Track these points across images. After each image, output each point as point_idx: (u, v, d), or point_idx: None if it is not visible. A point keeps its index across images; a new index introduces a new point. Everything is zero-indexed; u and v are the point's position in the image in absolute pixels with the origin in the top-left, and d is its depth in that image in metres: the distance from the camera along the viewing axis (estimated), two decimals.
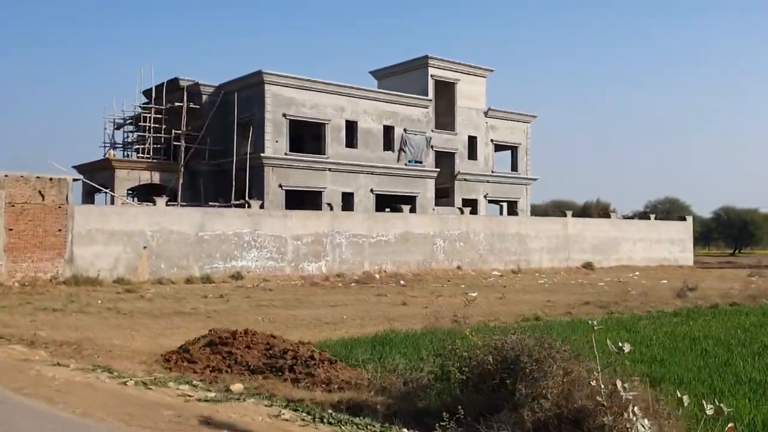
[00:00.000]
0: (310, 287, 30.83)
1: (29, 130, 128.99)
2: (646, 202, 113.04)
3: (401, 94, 41.37)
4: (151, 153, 38.28)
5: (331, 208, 35.83)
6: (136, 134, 39.77)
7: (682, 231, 56.45)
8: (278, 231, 33.56)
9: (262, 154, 35.69)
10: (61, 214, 27.79)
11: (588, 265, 46.88)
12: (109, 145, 43.75)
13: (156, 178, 38.24)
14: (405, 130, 41.66)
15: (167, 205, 30.81)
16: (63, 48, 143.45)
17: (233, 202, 34.61)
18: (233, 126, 37.89)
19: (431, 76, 43.53)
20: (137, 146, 38.39)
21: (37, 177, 27.40)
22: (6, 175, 26.70)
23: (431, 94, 43.13)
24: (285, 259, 33.76)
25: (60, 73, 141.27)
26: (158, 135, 38.22)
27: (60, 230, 27.74)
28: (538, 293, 29.31)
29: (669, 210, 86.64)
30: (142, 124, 38.10)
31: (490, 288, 31.68)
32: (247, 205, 33.52)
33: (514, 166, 48.90)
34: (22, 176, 27.07)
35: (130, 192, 37.79)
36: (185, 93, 37.78)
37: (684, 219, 57.37)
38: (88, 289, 26.68)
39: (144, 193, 37.80)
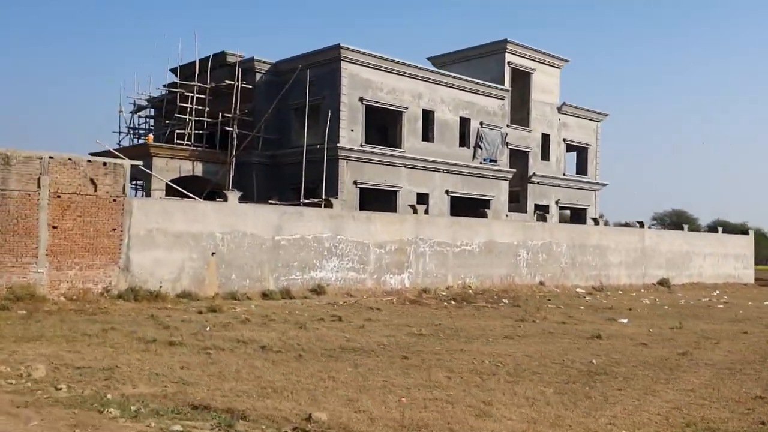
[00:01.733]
0: (411, 306, 25.16)
1: (21, 113, 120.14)
2: (653, 214, 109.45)
3: (480, 81, 35.97)
4: (193, 140, 32.17)
5: (415, 211, 30.21)
6: (168, 120, 33.53)
7: (746, 246, 52.20)
8: (361, 237, 27.87)
9: (338, 145, 29.88)
10: (117, 209, 21.70)
11: (664, 282, 42.11)
12: (127, 130, 37.54)
13: (198, 169, 32.15)
14: (481, 123, 36.28)
15: (240, 201, 24.85)
16: (63, 23, 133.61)
17: (303, 200, 28.73)
18: (291, 111, 32.06)
19: (508, 63, 38.24)
20: (178, 131, 32.15)
21: (89, 161, 21.29)
22: (51, 157, 20.55)
23: (507, 85, 37.83)
24: (367, 270, 28.07)
25: (58, 51, 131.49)
26: (200, 119, 32.15)
27: (114, 229, 21.65)
28: (699, 319, 24.14)
29: (677, 222, 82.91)
30: (181, 104, 31.94)
31: (615, 311, 26.43)
32: (324, 205, 27.73)
33: (583, 170, 43.89)
34: (70, 159, 20.94)
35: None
36: (237, 69, 31.78)
37: (747, 233, 53.11)
38: (154, 306, 20.66)
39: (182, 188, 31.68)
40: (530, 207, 39.18)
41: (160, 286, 22.23)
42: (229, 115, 31.42)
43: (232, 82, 31.69)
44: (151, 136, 30.50)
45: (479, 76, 37.44)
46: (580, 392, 10.30)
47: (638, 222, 42.54)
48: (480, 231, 32.54)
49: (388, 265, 28.82)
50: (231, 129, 31.23)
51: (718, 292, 41.90)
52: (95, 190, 21.30)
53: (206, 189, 30.93)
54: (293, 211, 26.26)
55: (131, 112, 39.39)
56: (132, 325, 16.33)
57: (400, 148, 32.16)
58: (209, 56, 32.67)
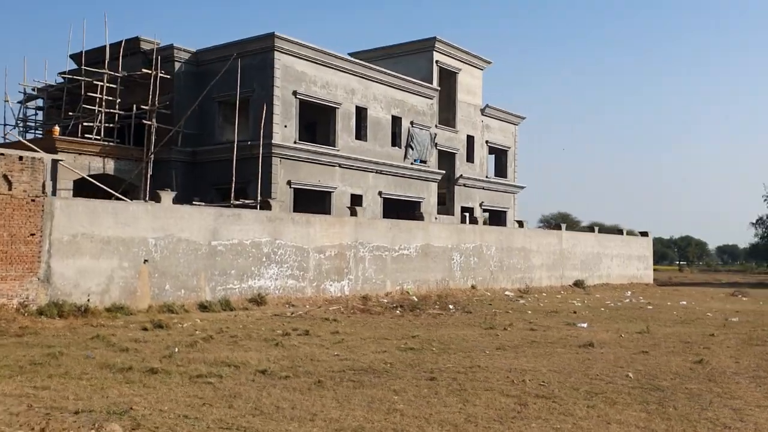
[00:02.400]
0: (363, 315, 23.32)
1: None
2: (540, 216, 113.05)
3: (411, 80, 34.67)
4: (102, 134, 28.76)
5: (354, 213, 28.42)
6: (72, 112, 29.89)
7: (647, 247, 54.03)
8: (300, 241, 25.78)
9: (272, 141, 27.51)
10: (36, 211, 18.57)
11: (579, 283, 42.54)
12: (16, 122, 33.46)
13: (110, 167, 28.81)
14: (412, 123, 34.98)
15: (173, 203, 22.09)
16: None
17: (233, 202, 26.21)
18: (215, 105, 29.43)
19: (436, 62, 37.20)
20: (85, 124, 28.60)
21: (2, 154, 18.05)
22: None
23: (435, 84, 36.76)
24: (306, 277, 26.01)
25: None
26: (111, 111, 28.81)
27: (33, 235, 18.50)
28: (647, 322, 23.80)
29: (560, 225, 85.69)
30: (90, 94, 28.47)
31: (563, 315, 25.79)
32: (261, 207, 25.38)
33: (502, 172, 43.61)
34: None
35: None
36: (155, 57, 28.69)
37: (646, 234, 54.96)
38: (85, 323, 17.75)
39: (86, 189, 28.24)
40: (457, 209, 38.31)
41: (88, 300, 19.24)
42: (146, 107, 28.31)
43: (148, 71, 28.60)
44: (57, 128, 26.88)
45: (406, 74, 36.15)
46: (684, 415, 9.03)
47: (555, 224, 42.75)
48: (418, 235, 31.22)
49: (328, 272, 26.88)
50: (149, 122, 28.14)
51: (629, 292, 42.71)
52: (9, 189, 18.09)
53: (119, 189, 27.74)
54: (230, 213, 23.78)
55: (19, 102, 35.20)
56: (79, 348, 13.62)
57: (334, 146, 30.25)
58: (120, 42, 29.39)
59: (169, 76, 29.02)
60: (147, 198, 27.08)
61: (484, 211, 41.78)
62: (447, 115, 38.39)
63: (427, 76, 36.40)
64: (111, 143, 28.74)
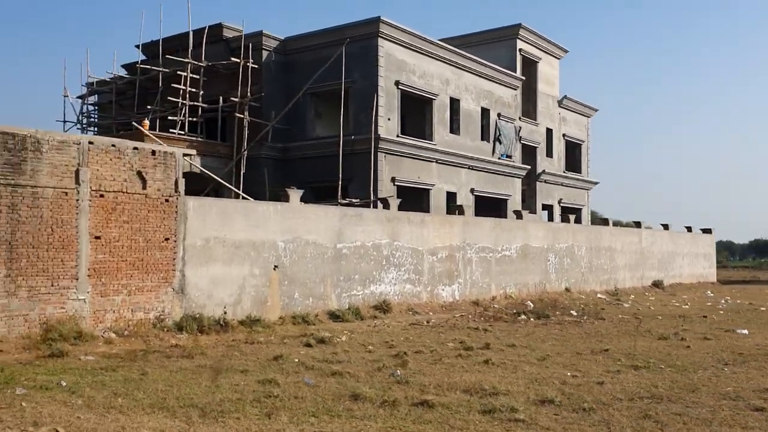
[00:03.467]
0: (499, 323, 21.20)
1: None
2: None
3: (500, 69, 32.56)
4: (187, 129, 26.62)
5: (461, 212, 26.34)
6: (149, 105, 27.72)
7: (710, 245, 52.02)
8: (416, 243, 23.72)
9: (380, 135, 25.38)
10: (170, 213, 16.46)
11: (658, 284, 40.48)
12: (79, 118, 31.33)
13: (196, 163, 26.64)
14: (498, 115, 32.89)
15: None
16: None
17: (340, 201, 24.09)
18: (307, 97, 27.29)
19: (519, 50, 35.12)
20: (160, 117, 26.42)
21: (135, 148, 15.93)
22: (91, 143, 15.09)
23: (519, 74, 34.67)
24: (421, 281, 23.96)
25: None
26: (195, 104, 26.65)
27: (167, 239, 16.40)
28: None
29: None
30: (174, 85, 26.27)
31: (695, 321, 23.70)
32: (380, 206, 23.27)
33: (575, 167, 41.53)
34: (113, 145, 15.53)
35: None
36: (243, 45, 26.50)
37: (709, 232, 52.89)
38: (231, 338, 15.65)
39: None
40: (538, 207, 36.23)
41: (225, 312, 17.14)
42: (235, 99, 26.16)
43: (235, 60, 26.44)
44: (146, 122, 24.72)
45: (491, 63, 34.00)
46: None
47: (635, 222, 40.68)
48: (518, 234, 29.17)
49: (440, 275, 24.82)
50: (241, 116, 25.99)
51: (709, 292, 40.81)
52: (144, 187, 15.98)
53: (207, 187, 25.61)
54: (353, 213, 21.67)
55: (80, 97, 33.06)
56: (274, 371, 11.60)
57: (431, 140, 28.15)
58: (200, 29, 27.21)
59: (256, 66, 26.85)
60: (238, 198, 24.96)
61: (563, 209, 39.69)
62: (527, 107, 36.34)
63: (509, 66, 34.33)
64: (198, 139, 26.59)
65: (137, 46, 31.14)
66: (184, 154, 17.01)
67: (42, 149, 14.16)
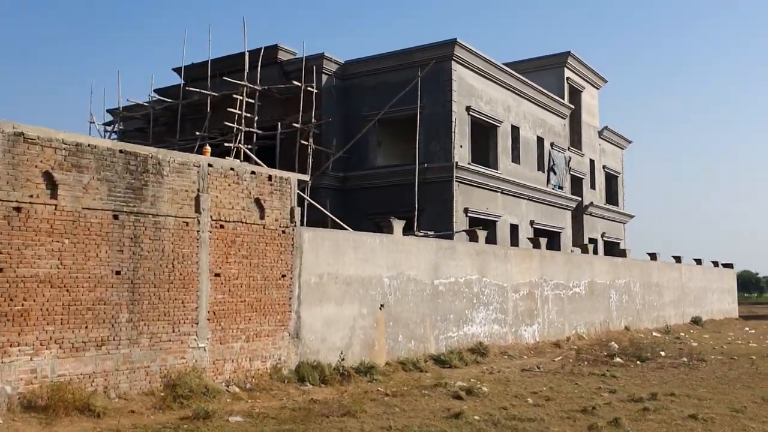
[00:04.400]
0: (602, 366, 19.41)
1: None
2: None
3: (554, 96, 31.30)
4: (242, 157, 24.66)
5: (537, 245, 24.72)
6: (198, 131, 25.75)
7: (732, 279, 51.11)
8: (500, 279, 22.00)
9: (458, 163, 23.69)
10: (286, 246, 14.53)
11: (697, 320, 39.11)
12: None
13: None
14: (551, 144, 31.55)
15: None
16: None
17: (417, 233, 22.24)
18: (366, 124, 25.61)
19: (567, 79, 34.00)
20: (226, 144, 24.45)
21: (252, 172, 14.03)
22: (210, 165, 13.17)
23: (567, 102, 33.47)
24: (506, 321, 22.17)
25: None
26: (250, 129, 24.76)
27: (284, 276, 14.43)
28: None
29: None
30: (230, 110, 24.35)
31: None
32: (466, 238, 21.52)
33: (614, 200, 40.32)
34: (232, 169, 13.63)
35: None
36: (304, 68, 24.76)
37: (731, 267, 51.98)
38: (360, 390, 13.66)
39: None
40: (586, 241, 34.77)
41: (342, 359, 15.14)
42: (297, 126, 24.33)
43: (293, 84, 24.67)
44: (207, 148, 22.68)
45: None
46: None
47: (674, 257, 39.43)
48: (586, 270, 27.61)
49: (522, 314, 23.06)
50: (306, 143, 24.12)
51: (748, 328, 39.64)
52: (262, 217, 14.06)
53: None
54: (447, 246, 19.88)
55: (105, 124, 31.03)
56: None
57: (496, 169, 26.59)
58: (258, 50, 25.40)
59: (316, 90, 25.13)
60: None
61: (605, 243, 38.30)
62: (573, 137, 35.12)
63: (557, 94, 33.09)
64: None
65: (176, 70, 29.30)
66: (300, 180, 15.12)
67: (163, 172, 12.21)
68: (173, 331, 12.12)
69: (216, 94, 25.79)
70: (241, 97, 24.76)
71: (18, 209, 10.15)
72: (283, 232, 14.39)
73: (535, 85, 29.52)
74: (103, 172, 11.26)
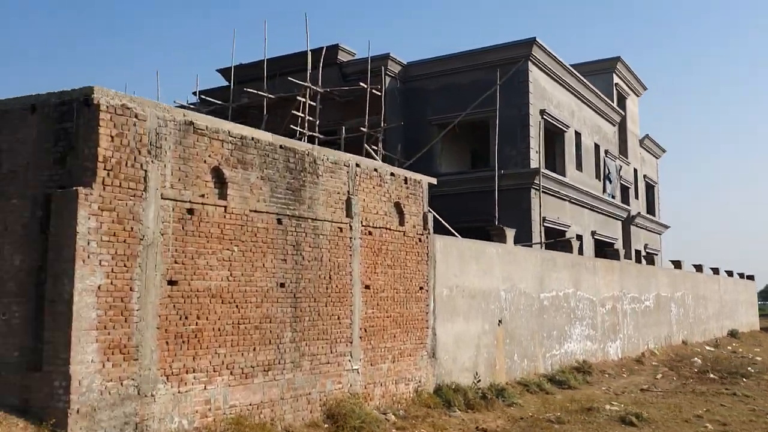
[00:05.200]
0: (711, 384, 18.20)
1: None
2: None
3: (609, 102, 30.25)
4: None
5: (617, 257, 23.57)
6: None
7: (754, 292, 50.54)
8: (590, 292, 20.79)
9: (539, 169, 22.44)
10: (422, 254, 13.13)
11: (734, 333, 38.27)
12: None
13: None
14: (606, 152, 30.48)
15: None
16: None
17: (517, 244, 20.83)
18: (434, 128, 24.34)
19: (615, 85, 33.00)
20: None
21: (392, 174, 12.63)
22: (358, 165, 11.75)
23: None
24: (595, 336, 20.91)
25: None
26: (313, 134, 23.33)
27: (421, 288, 13.03)
28: None
29: None
30: (294, 112, 22.88)
31: None
32: (542, 246, 20.25)
33: (651, 210, 39.37)
34: (375, 170, 12.24)
35: None
36: (369, 69, 23.42)
37: (752, 278, 51.33)
38: (514, 418, 12.26)
39: None
40: (633, 253, 33.71)
41: (477, 381, 13.76)
42: (365, 130, 22.94)
43: (360, 86, 23.30)
44: None
45: None
46: None
47: (712, 269, 38.52)
48: (652, 283, 26.51)
49: (608, 329, 21.85)
50: (374, 148, 22.71)
51: None
52: (401, 223, 12.66)
53: None
54: (549, 257, 18.61)
55: None
56: None
57: (564, 176, 25.40)
58: (318, 50, 24.00)
59: (378, 93, 23.76)
60: None
61: (647, 254, 37.28)
62: (620, 145, 34.07)
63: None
64: None
65: (221, 71, 27.80)
66: (430, 184, 13.73)
67: (318, 171, 10.77)
68: (331, 352, 10.65)
69: (273, 96, 24.32)
70: (304, 99, 23.32)
71: (191, 211, 8.66)
72: (420, 240, 13.00)
73: (596, 90, 28.44)
74: (265, 169, 9.80)
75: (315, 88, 23.62)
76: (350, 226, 11.23)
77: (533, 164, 22.82)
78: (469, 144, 26.72)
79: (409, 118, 24.80)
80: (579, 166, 27.40)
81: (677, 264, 31.27)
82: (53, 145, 7.84)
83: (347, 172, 11.36)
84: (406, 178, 12.95)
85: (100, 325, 7.45)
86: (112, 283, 7.60)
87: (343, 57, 25.31)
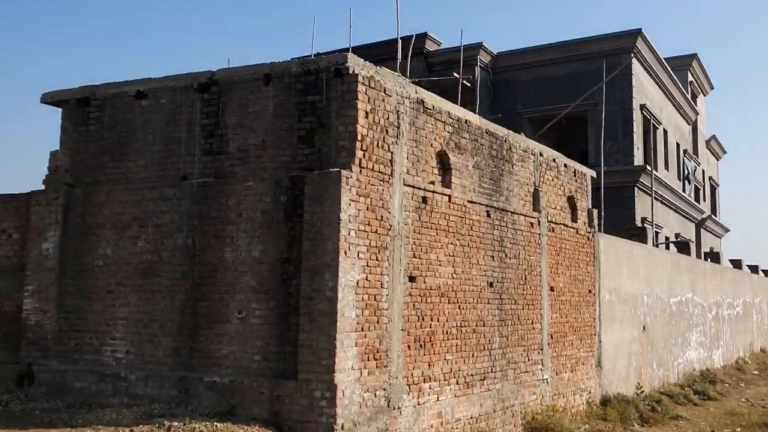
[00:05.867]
0: None
1: None
2: None
3: (689, 100, 29.19)
4: None
5: (714, 258, 22.56)
6: None
7: None
8: (702, 297, 19.75)
9: (645, 166, 21.42)
10: (590, 254, 12.12)
11: None
12: None
13: None
14: (684, 152, 29.41)
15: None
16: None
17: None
18: (525, 122, 23.31)
19: (690, 83, 31.90)
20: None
21: (565, 165, 11.62)
22: (542, 154, 10.76)
23: None
24: (705, 344, 19.87)
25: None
26: None
27: (590, 291, 12.02)
28: None
29: None
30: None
31: None
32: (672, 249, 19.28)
33: (714, 212, 38.20)
34: (554, 160, 11.23)
35: None
36: (462, 60, 22.44)
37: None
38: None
39: None
40: (702, 255, 32.56)
41: (641, 391, 12.76)
42: None
43: (454, 77, 22.31)
44: None
45: None
46: None
47: (763, 270, 37.19)
48: (740, 287, 25.46)
49: (713, 336, 20.81)
50: None
51: None
52: (574, 219, 11.65)
53: None
54: (675, 260, 17.60)
55: None
56: None
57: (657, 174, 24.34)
58: (407, 38, 23.03)
59: (469, 85, 22.77)
60: None
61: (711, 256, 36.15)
62: (693, 145, 32.99)
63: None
64: None
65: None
66: (592, 177, 12.73)
67: (513, 159, 9.79)
68: (528, 359, 9.67)
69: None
70: None
71: (424, 200, 7.69)
72: (588, 238, 12.00)
73: (681, 87, 27.39)
74: (475, 156, 8.82)
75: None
76: (539, 221, 10.25)
77: (636, 161, 21.79)
78: (553, 139, 25.69)
79: (497, 111, 23.75)
80: (666, 165, 26.33)
81: (737, 263, 30.11)
82: (296, 120, 6.88)
83: (534, 162, 10.38)
84: (575, 170, 11.95)
85: (358, 327, 6.48)
86: (367, 278, 6.64)
87: (429, 46, 24.31)
